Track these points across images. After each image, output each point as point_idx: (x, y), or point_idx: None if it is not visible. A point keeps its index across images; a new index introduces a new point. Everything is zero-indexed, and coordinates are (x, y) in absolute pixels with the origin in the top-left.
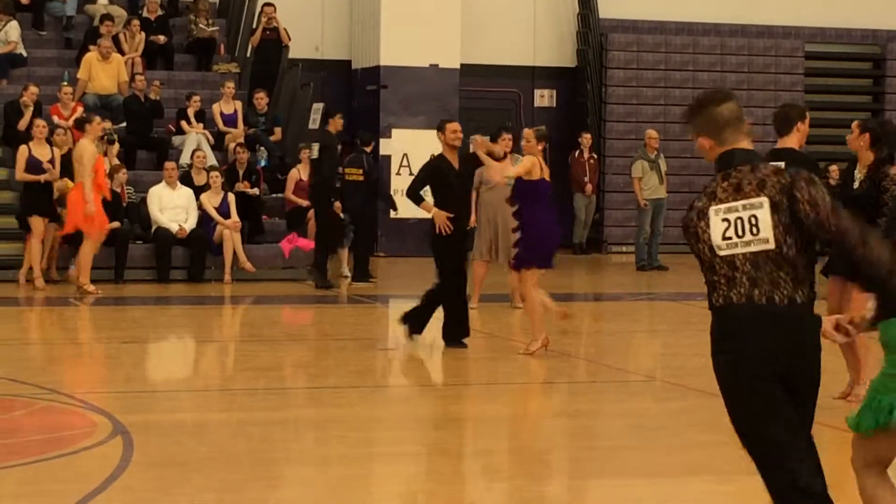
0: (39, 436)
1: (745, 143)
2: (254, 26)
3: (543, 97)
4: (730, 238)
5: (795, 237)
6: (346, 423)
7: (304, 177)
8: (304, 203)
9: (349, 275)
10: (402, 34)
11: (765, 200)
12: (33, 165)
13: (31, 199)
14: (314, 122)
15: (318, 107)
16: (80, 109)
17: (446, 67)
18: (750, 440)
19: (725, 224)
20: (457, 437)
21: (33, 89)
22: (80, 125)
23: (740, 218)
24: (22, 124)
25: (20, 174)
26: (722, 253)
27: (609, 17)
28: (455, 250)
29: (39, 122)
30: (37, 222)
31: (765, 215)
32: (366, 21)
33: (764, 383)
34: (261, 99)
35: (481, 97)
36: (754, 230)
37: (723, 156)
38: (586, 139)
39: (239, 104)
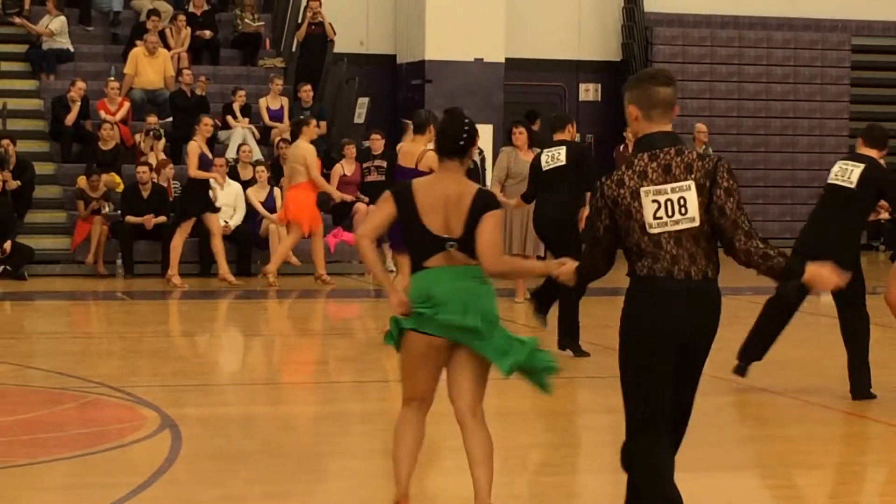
0: (88, 429)
1: (669, 128)
2: (299, 21)
3: (588, 91)
4: (660, 218)
5: (709, 217)
6: (392, 417)
7: (349, 172)
8: (350, 198)
9: (394, 270)
10: (446, 28)
11: (692, 184)
12: (204, 163)
13: (198, 197)
14: (359, 116)
15: (363, 101)
16: (126, 105)
17: (491, 62)
18: (630, 396)
19: (656, 205)
20: (500, 431)
21: (80, 84)
22: (297, 127)
23: (670, 200)
24: (69, 119)
25: (194, 171)
26: (652, 231)
27: (654, 11)
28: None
29: (207, 119)
30: (210, 219)
31: (692, 197)
32: (411, 15)
33: (663, 355)
34: (307, 92)
35: (526, 91)
36: (683, 210)
37: (649, 136)
38: (632, 133)
39: (285, 100)
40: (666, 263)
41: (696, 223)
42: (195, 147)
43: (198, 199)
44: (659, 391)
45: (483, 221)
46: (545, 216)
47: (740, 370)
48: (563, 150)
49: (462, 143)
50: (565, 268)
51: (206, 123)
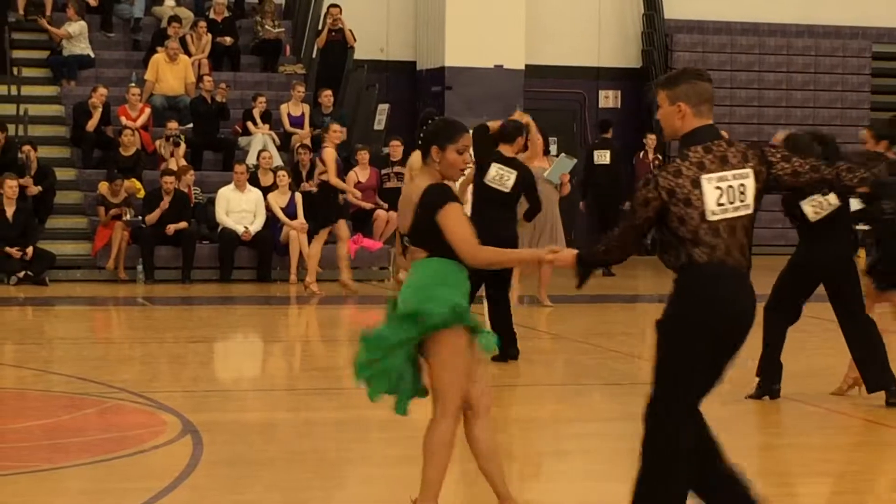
0: (109, 434)
1: (712, 122)
2: (319, 28)
3: (608, 98)
4: (723, 204)
5: (792, 181)
6: (412, 424)
7: (363, 178)
8: (367, 205)
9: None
10: (466, 35)
11: (750, 171)
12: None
13: (336, 203)
14: (379, 122)
15: (383, 108)
16: (147, 111)
17: (511, 68)
18: (679, 379)
19: (719, 192)
20: (521, 439)
21: (102, 91)
22: (322, 132)
23: (731, 186)
24: (90, 125)
25: (335, 178)
26: (712, 218)
27: (674, 18)
28: None
29: (336, 126)
30: (341, 226)
31: (751, 184)
32: (431, 22)
33: (722, 340)
34: (327, 97)
35: (546, 98)
36: (742, 197)
37: (699, 130)
38: (651, 140)
39: (306, 106)
40: (721, 252)
41: (751, 210)
42: (332, 154)
43: (335, 205)
44: (711, 375)
45: (439, 219)
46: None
47: (773, 392)
48: (513, 176)
49: (420, 142)
50: (562, 255)
51: (336, 130)
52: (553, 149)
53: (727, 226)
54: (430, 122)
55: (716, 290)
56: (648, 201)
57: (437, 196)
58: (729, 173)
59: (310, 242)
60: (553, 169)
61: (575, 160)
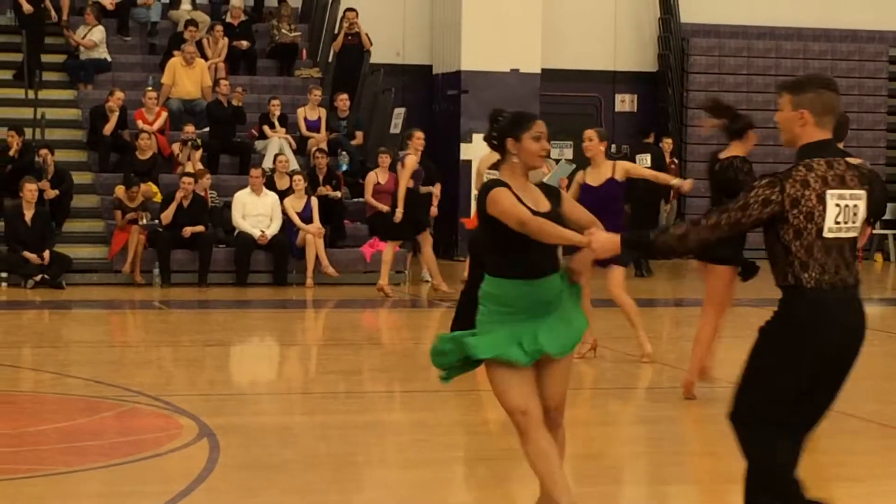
0: (125, 437)
1: (831, 135)
2: (335, 31)
3: (624, 102)
4: (839, 223)
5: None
6: (429, 427)
7: (382, 181)
8: (385, 208)
9: (429, 279)
10: (482, 39)
11: (864, 193)
12: (416, 176)
13: (427, 209)
14: (395, 126)
15: (399, 111)
16: (163, 114)
17: (527, 72)
18: (778, 400)
19: (837, 210)
20: None
21: (119, 94)
22: (405, 138)
23: (847, 206)
24: (107, 129)
25: (403, 188)
26: (829, 235)
27: (690, 22)
28: None
29: (419, 133)
30: (425, 234)
31: (863, 206)
32: (447, 26)
33: (828, 366)
34: (343, 101)
35: (562, 102)
36: (854, 218)
37: (821, 143)
38: (667, 144)
39: (323, 111)
40: (831, 271)
41: (856, 233)
42: (413, 161)
43: (427, 211)
44: (817, 399)
45: (490, 210)
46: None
47: None
48: None
49: (493, 140)
50: (600, 237)
51: (419, 137)
52: (569, 153)
53: (837, 245)
54: (499, 119)
55: (827, 314)
56: (769, 203)
57: (486, 189)
58: (847, 192)
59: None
60: (553, 174)
61: (574, 166)
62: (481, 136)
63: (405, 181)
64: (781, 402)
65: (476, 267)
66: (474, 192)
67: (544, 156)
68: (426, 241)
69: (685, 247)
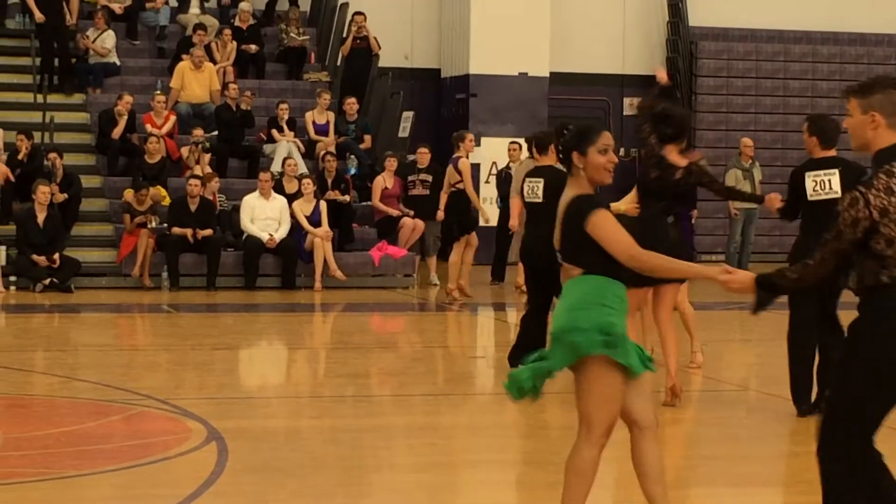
0: (134, 441)
1: None
2: (344, 35)
3: (633, 105)
4: None
5: None
6: (437, 431)
7: (389, 185)
8: (394, 212)
9: (437, 283)
10: (491, 43)
11: None
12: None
13: (471, 212)
14: (404, 130)
15: (407, 115)
16: (172, 118)
17: (535, 76)
18: (870, 408)
19: None
20: (547, 446)
21: (128, 98)
22: (455, 141)
23: None
24: (116, 133)
25: (470, 187)
26: None
27: (699, 25)
28: None
29: (471, 136)
30: (473, 235)
31: None
32: (455, 30)
33: None
34: (351, 104)
35: (570, 105)
36: None
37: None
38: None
39: (331, 114)
40: None
41: None
42: (468, 164)
43: (472, 213)
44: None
45: (589, 230)
46: (530, 248)
47: (809, 410)
48: (540, 184)
49: (559, 154)
50: (737, 277)
51: (471, 139)
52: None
53: None
54: (565, 131)
55: None
56: (858, 222)
57: (583, 206)
58: None
59: (447, 250)
60: None
61: None
62: (490, 139)
63: (469, 182)
64: (870, 412)
65: (536, 286)
66: (485, 193)
67: (612, 169)
68: (470, 243)
69: (805, 286)
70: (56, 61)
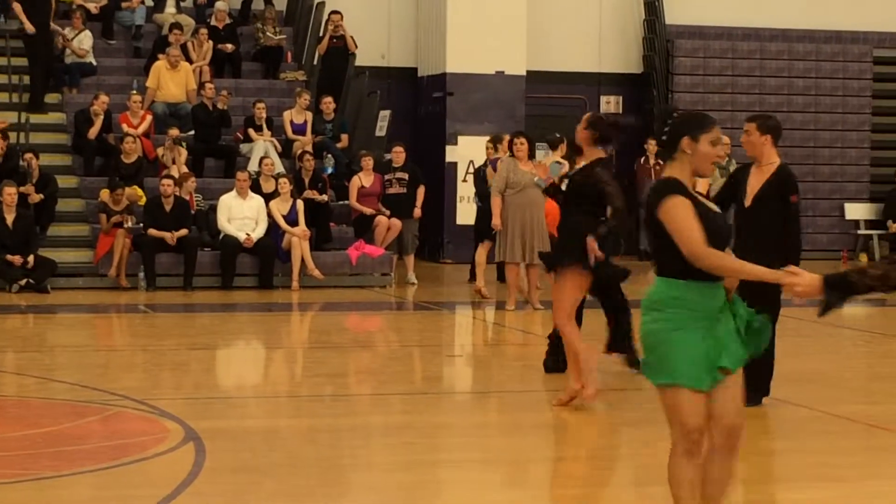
0: (111, 441)
1: None
2: (321, 34)
3: (609, 104)
4: None
5: None
6: (415, 430)
7: (367, 184)
8: (369, 211)
9: (415, 282)
10: (467, 41)
11: None
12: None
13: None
14: (381, 129)
15: (384, 114)
16: (148, 118)
17: (512, 74)
18: None
19: None
20: (525, 444)
21: (103, 98)
22: (494, 142)
23: None
24: (92, 133)
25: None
26: None
27: (675, 24)
28: None
29: (507, 136)
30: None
31: None
32: (432, 29)
33: None
34: (328, 104)
35: (547, 104)
36: None
37: None
38: (652, 145)
39: (309, 114)
40: None
41: None
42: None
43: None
44: None
45: (660, 216)
46: None
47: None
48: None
49: (663, 136)
50: (803, 279)
51: (507, 140)
52: (556, 154)
53: None
54: (674, 114)
55: None
56: None
57: (662, 189)
58: None
59: (476, 248)
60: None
61: (563, 165)
62: (467, 138)
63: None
64: None
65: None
66: (463, 192)
67: (716, 163)
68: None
69: (887, 285)
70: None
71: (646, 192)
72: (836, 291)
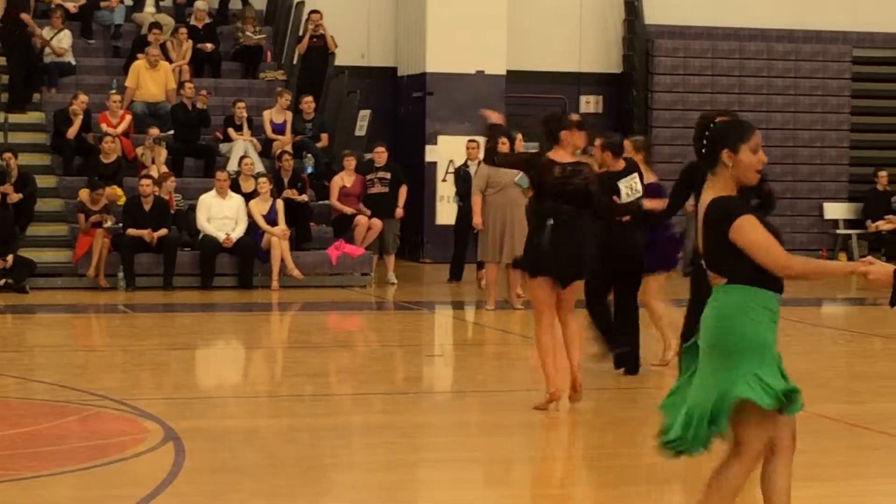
0: (91, 442)
1: None
2: (300, 34)
3: (589, 103)
4: None
5: None
6: (395, 430)
7: (348, 183)
8: (350, 210)
9: (395, 281)
10: (447, 41)
11: None
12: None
13: None
14: (361, 128)
15: (364, 114)
16: (128, 118)
17: (492, 74)
18: None
19: None
20: (505, 444)
21: (83, 98)
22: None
23: None
24: (71, 132)
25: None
26: None
27: (655, 23)
28: None
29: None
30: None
31: None
32: (411, 28)
33: None
34: (308, 103)
35: (527, 104)
36: None
37: None
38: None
39: (289, 114)
40: None
41: None
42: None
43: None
44: None
45: (733, 237)
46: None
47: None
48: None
49: (702, 149)
50: (877, 269)
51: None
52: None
53: None
54: (712, 125)
55: None
56: None
57: (726, 210)
58: None
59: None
60: (521, 177)
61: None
62: (447, 137)
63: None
64: None
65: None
66: (442, 192)
67: (761, 169)
68: None
69: None
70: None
71: (703, 210)
72: None
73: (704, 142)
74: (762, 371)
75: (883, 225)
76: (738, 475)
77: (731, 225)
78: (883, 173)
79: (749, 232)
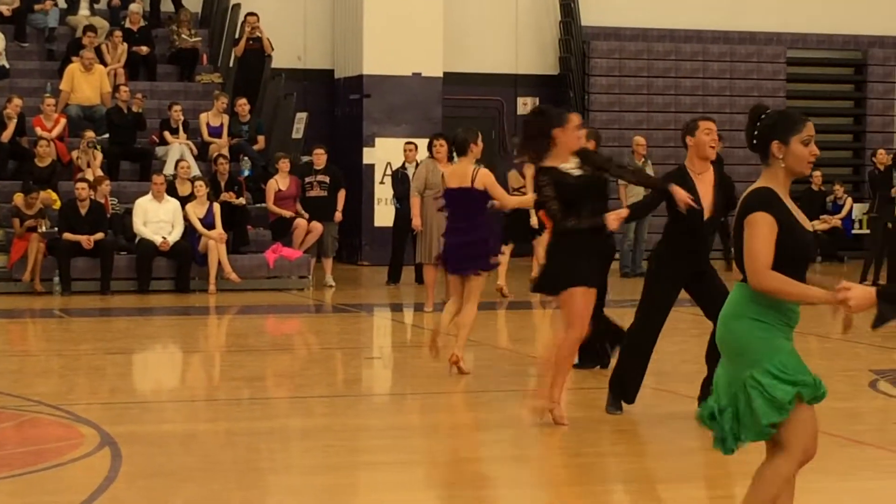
0: (26, 448)
1: None
2: (236, 36)
3: (526, 105)
4: None
5: None
6: (333, 433)
7: (283, 187)
8: (288, 213)
9: (333, 284)
10: (384, 43)
11: None
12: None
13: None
14: (297, 131)
15: (301, 116)
16: (62, 121)
17: (429, 76)
18: None
19: None
20: (444, 446)
21: (17, 101)
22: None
23: None
24: (5, 136)
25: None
26: None
27: (591, 25)
28: None
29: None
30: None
31: None
32: (348, 30)
33: None
34: (243, 106)
35: (464, 105)
36: None
37: None
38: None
39: (226, 117)
40: None
41: None
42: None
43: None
44: None
45: (745, 226)
46: None
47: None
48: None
49: (753, 140)
50: (855, 293)
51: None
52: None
53: None
54: (763, 116)
55: None
56: None
57: (750, 202)
58: None
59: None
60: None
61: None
62: (384, 139)
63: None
64: None
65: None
66: (380, 194)
67: (813, 161)
68: (539, 245)
69: None
70: None
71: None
72: (891, 303)
73: (756, 133)
74: (757, 371)
75: (818, 225)
76: (785, 469)
77: (746, 217)
78: (817, 173)
79: (752, 229)
